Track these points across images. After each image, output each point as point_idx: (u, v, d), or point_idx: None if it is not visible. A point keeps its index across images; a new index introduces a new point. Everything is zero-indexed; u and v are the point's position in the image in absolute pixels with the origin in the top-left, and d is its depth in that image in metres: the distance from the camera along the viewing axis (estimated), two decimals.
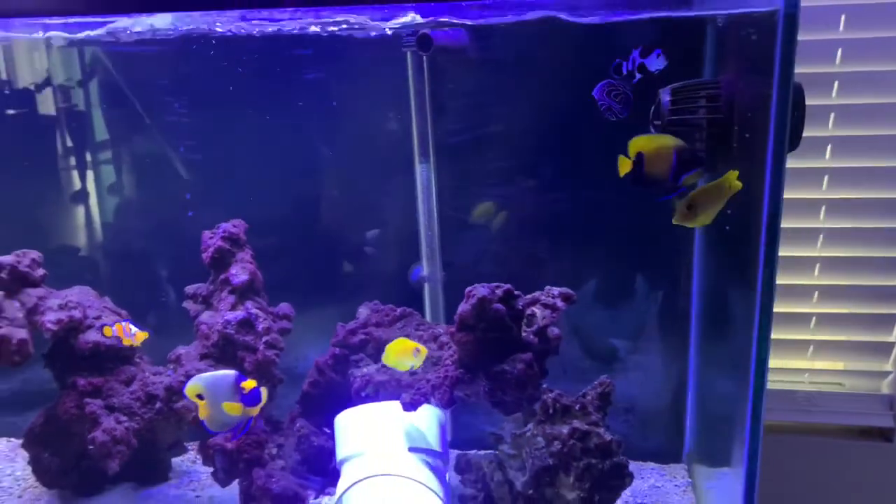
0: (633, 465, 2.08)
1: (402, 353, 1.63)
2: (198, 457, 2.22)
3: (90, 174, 2.35)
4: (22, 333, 1.79)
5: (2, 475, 2.12)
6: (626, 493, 1.97)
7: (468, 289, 1.58)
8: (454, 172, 2.05)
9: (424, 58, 1.97)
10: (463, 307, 1.57)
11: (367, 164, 2.09)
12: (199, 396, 1.47)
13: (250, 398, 1.47)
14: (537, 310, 1.66)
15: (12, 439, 2.36)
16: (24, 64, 2.38)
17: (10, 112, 2.35)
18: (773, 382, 2.28)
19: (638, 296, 2.17)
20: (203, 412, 1.48)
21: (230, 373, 1.49)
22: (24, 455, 2.08)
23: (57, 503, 2.02)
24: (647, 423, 2.20)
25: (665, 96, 1.59)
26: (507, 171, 2.05)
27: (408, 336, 1.94)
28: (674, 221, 1.53)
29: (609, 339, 2.21)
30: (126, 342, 1.81)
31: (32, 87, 2.33)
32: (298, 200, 2.16)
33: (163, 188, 2.26)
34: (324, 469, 1.95)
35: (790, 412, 2.23)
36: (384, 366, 1.87)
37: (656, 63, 1.53)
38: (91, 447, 1.83)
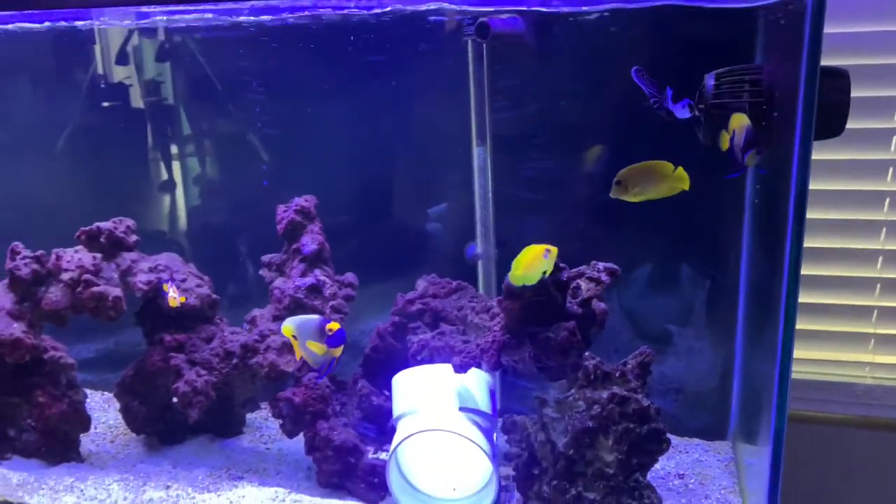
0: (680, 441, 2.19)
1: (534, 258, 1.64)
2: (269, 413, 2.42)
3: (176, 156, 2.57)
4: (117, 292, 2.00)
5: (97, 423, 2.35)
6: (671, 465, 2.07)
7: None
8: (509, 156, 2.16)
9: (484, 45, 2.09)
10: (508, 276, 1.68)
11: (428, 147, 2.23)
12: (293, 336, 1.65)
13: (334, 339, 1.63)
14: (582, 282, 1.76)
15: (106, 392, 2.61)
16: (114, 50, 2.62)
17: (103, 92, 2.59)
18: (833, 375, 2.30)
19: (688, 280, 2.24)
20: (298, 351, 1.65)
21: (315, 317, 1.66)
22: (115, 405, 2.31)
23: (143, 448, 2.24)
24: (694, 403, 2.27)
25: (709, 80, 1.67)
26: (562, 155, 2.16)
27: (461, 308, 2.08)
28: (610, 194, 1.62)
29: (660, 323, 2.28)
30: (171, 303, 1.99)
31: (124, 74, 2.56)
32: (364, 180, 2.32)
33: (242, 168, 2.46)
34: (381, 427, 2.11)
35: (850, 405, 2.25)
36: (440, 332, 2.02)
37: (681, 112, 1.61)
38: (174, 397, 2.03)
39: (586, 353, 1.74)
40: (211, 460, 2.16)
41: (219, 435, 2.28)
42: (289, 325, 1.65)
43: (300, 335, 1.64)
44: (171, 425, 2.23)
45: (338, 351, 1.65)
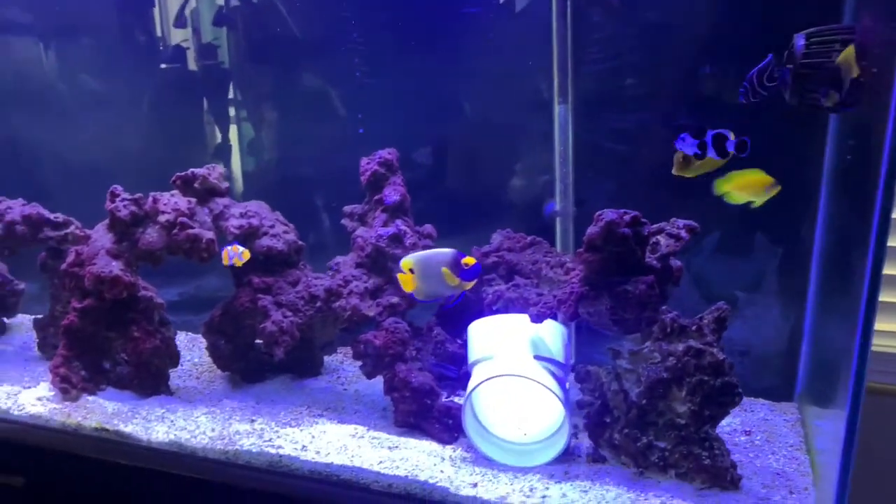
0: (746, 401, 2.22)
1: (755, 183, 1.66)
2: (345, 357, 2.54)
3: (265, 106, 2.66)
4: (210, 234, 2.11)
5: (183, 360, 2.47)
6: (737, 422, 2.11)
7: (598, 213, 1.74)
8: (591, 114, 2.19)
9: (568, 2, 2.11)
10: (592, 229, 1.74)
11: (510, 103, 2.28)
12: (410, 270, 1.73)
13: (470, 273, 1.71)
14: (662, 238, 1.80)
15: (189, 333, 2.75)
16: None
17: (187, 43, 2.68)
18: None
19: (759, 245, 2.25)
20: (410, 285, 1.73)
21: (448, 251, 1.74)
22: (200, 345, 2.44)
23: (227, 385, 2.37)
24: (761, 365, 2.30)
25: (799, 41, 1.67)
26: (644, 116, 2.18)
27: (536, 262, 2.14)
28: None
29: (730, 287, 2.30)
30: (237, 262, 2.09)
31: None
32: (445, 135, 2.38)
33: (328, 121, 2.54)
34: (453, 372, 2.19)
35: None
36: (514, 284, 2.08)
37: (730, 145, 1.63)
38: (261, 337, 2.14)
39: (663, 307, 1.79)
40: (292, 398, 2.28)
41: (298, 375, 2.39)
42: (409, 259, 1.73)
43: (423, 269, 1.72)
44: (254, 364, 2.36)
45: (470, 284, 1.73)
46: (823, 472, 1.82)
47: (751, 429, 2.08)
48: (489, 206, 2.41)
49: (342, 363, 2.51)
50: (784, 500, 1.74)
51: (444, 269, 1.72)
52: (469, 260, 1.71)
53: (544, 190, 2.29)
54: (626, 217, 1.72)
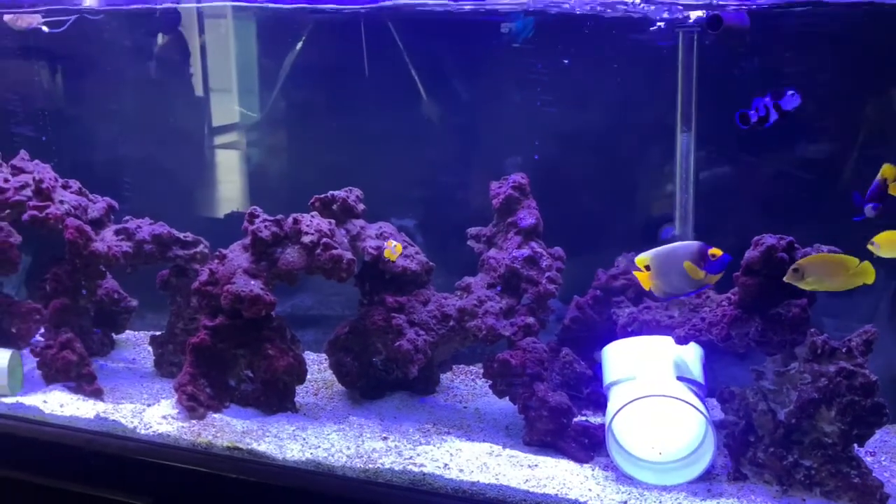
0: None
1: None
2: (455, 375, 2.58)
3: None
4: (350, 255, 2.16)
5: None
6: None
7: (756, 238, 1.81)
8: (713, 143, 2.27)
9: (695, 36, 2.20)
10: (750, 253, 1.80)
11: (635, 132, 2.35)
12: (647, 267, 1.72)
13: (716, 265, 1.65)
14: None
15: None
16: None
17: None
18: None
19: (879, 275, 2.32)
20: (647, 283, 1.72)
21: (691, 243, 1.70)
22: (310, 361, 2.48)
23: (348, 402, 2.41)
24: None
25: None
26: (765, 147, 2.26)
27: None
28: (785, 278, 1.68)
29: (848, 317, 2.36)
30: (390, 255, 2.14)
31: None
32: (568, 160, 2.45)
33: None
34: (579, 392, 2.24)
35: None
36: (646, 307, 2.14)
37: (791, 102, 1.69)
38: (394, 354, 2.19)
39: (811, 330, 1.86)
40: (415, 416, 2.32)
41: (415, 393, 2.44)
42: (646, 256, 1.69)
43: (663, 265, 1.66)
44: (373, 381, 2.40)
45: (716, 277, 1.67)
46: None
47: (874, 450, 2.14)
48: (606, 232, 2.48)
49: (453, 381, 2.56)
50: None
51: (687, 263, 1.66)
52: (716, 251, 1.62)
53: (662, 215, 2.35)
54: (783, 242, 1.78)
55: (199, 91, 3.10)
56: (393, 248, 2.14)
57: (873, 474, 1.82)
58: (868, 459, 2.09)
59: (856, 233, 2.21)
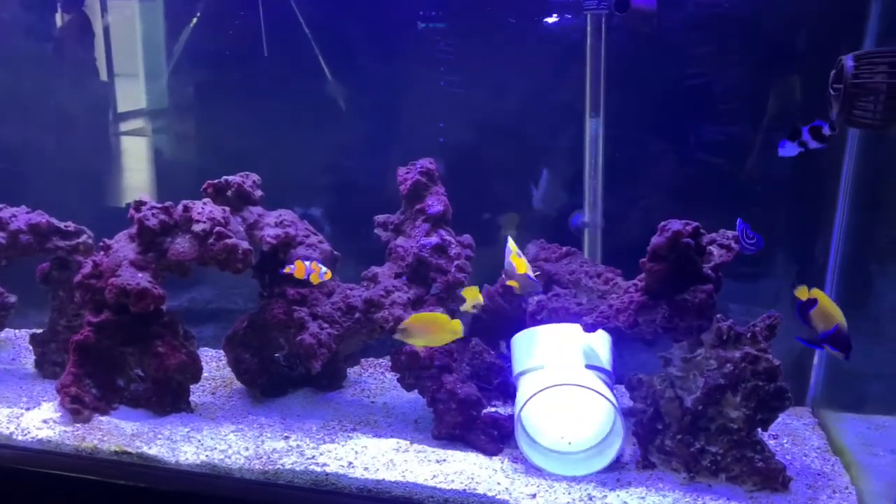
0: None
1: None
2: (363, 369, 2.49)
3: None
4: (246, 245, 2.03)
5: None
6: None
7: (662, 223, 1.79)
8: (621, 128, 2.24)
9: (602, 19, 2.16)
10: (657, 239, 1.78)
11: (541, 116, 2.30)
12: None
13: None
14: (714, 249, 1.86)
15: None
16: None
17: None
18: None
19: (777, 260, 2.35)
20: None
21: None
22: (207, 359, 2.34)
23: (248, 400, 2.28)
24: None
25: (848, 62, 1.76)
26: (673, 131, 2.25)
27: (573, 272, 2.17)
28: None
29: (749, 301, 2.38)
30: (314, 279, 2.00)
31: None
32: (473, 145, 2.38)
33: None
34: (488, 383, 2.19)
35: None
36: (555, 294, 2.10)
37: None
38: (296, 349, 2.08)
39: (717, 315, 1.85)
40: (319, 413, 2.21)
41: (320, 389, 2.33)
42: None
43: None
44: (275, 378, 2.28)
45: None
46: (858, 472, 1.92)
47: (778, 432, 2.16)
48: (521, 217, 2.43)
49: (361, 375, 2.46)
50: (830, 499, 1.82)
51: None
52: None
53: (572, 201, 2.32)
54: (689, 227, 1.77)
55: (103, 75, 2.89)
56: (308, 268, 1.98)
57: (776, 458, 1.83)
58: (771, 443, 2.11)
59: (761, 216, 2.24)
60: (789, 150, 1.72)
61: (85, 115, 2.87)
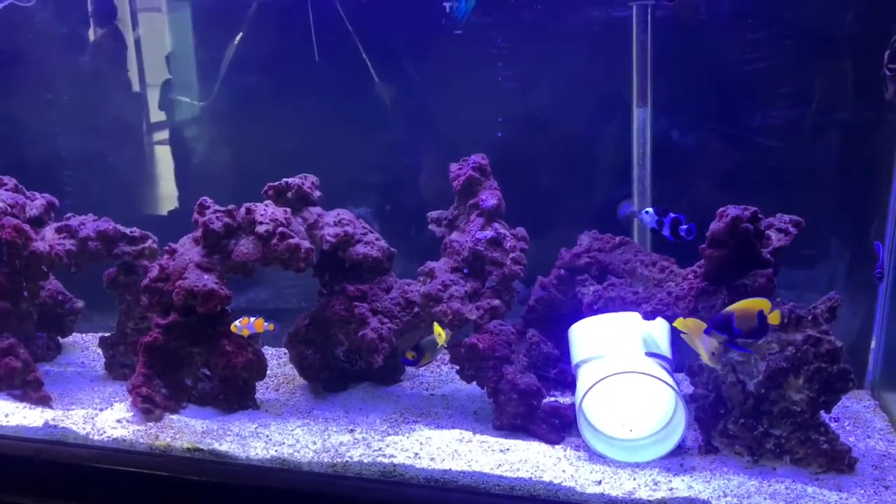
0: None
1: None
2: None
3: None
4: (308, 244, 2.09)
5: None
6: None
7: (721, 209, 1.80)
8: (670, 119, 2.26)
9: (649, 10, 2.18)
10: (716, 225, 1.79)
11: (589, 107, 2.33)
12: None
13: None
14: (772, 233, 1.87)
15: None
16: None
17: None
18: None
19: (830, 247, 2.34)
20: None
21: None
22: (269, 356, 2.40)
23: (311, 396, 2.34)
24: None
25: None
26: (720, 120, 2.25)
27: (628, 261, 2.19)
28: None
29: (803, 287, 2.37)
30: (245, 333, 2.08)
31: None
32: (525, 140, 2.41)
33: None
34: (546, 373, 2.22)
35: None
36: (610, 284, 2.12)
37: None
38: (358, 344, 2.12)
39: (777, 299, 1.86)
40: (381, 406, 2.26)
41: (380, 383, 2.38)
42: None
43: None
44: (336, 373, 2.33)
45: None
46: None
47: (839, 415, 2.16)
48: (563, 210, 2.45)
49: (418, 369, 2.51)
50: None
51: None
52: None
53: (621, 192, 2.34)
54: (747, 213, 1.78)
55: (136, 86, 2.98)
56: (251, 326, 2.05)
57: (840, 440, 1.84)
58: (832, 425, 2.12)
59: (813, 200, 2.24)
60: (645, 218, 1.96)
61: (141, 124, 2.96)
